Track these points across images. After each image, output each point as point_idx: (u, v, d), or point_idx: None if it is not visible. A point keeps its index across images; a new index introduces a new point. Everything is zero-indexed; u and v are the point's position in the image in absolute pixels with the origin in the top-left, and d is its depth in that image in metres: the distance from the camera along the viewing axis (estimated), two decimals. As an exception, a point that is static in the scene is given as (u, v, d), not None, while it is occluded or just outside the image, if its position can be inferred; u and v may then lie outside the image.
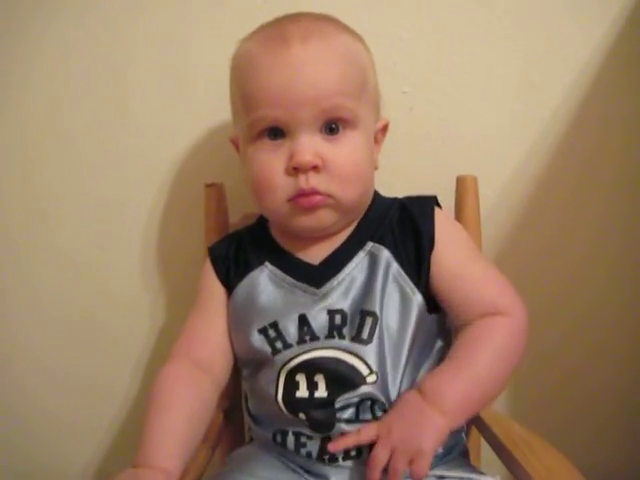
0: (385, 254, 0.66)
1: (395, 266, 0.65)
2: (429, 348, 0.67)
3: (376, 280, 0.65)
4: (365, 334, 0.63)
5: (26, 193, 0.90)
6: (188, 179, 0.87)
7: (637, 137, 0.85)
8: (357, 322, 0.63)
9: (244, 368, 0.71)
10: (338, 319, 0.64)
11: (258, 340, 0.65)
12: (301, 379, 0.63)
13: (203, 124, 0.86)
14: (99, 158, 0.88)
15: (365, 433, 0.59)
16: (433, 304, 0.66)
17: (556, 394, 0.90)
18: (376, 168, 0.69)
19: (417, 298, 0.65)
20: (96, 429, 0.96)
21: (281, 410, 0.64)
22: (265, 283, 0.68)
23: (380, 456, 0.56)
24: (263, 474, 0.63)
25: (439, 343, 0.68)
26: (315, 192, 0.62)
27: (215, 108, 0.83)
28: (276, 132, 0.63)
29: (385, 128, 0.71)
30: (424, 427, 0.57)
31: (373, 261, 0.66)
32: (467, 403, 0.60)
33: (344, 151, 0.63)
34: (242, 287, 0.69)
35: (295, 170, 0.62)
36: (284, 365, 0.64)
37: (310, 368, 0.63)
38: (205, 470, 0.67)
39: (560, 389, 0.90)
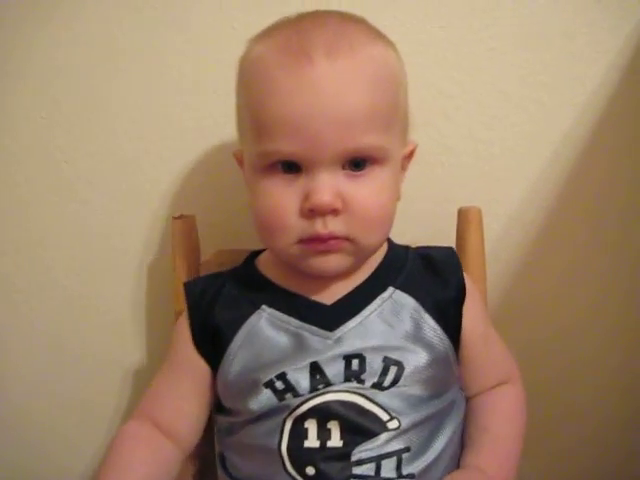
0: (411, 302, 0.60)
1: (423, 315, 0.60)
2: (451, 397, 0.62)
3: (402, 328, 0.59)
4: (388, 382, 0.57)
5: (10, 209, 0.84)
6: (152, 211, 0.80)
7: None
8: (379, 370, 0.57)
9: (228, 421, 0.62)
10: (356, 364, 0.57)
11: (263, 395, 0.57)
12: (311, 426, 0.55)
13: (173, 148, 0.80)
14: (86, 185, 0.82)
15: None
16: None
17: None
18: (398, 199, 0.62)
19: (447, 348, 0.60)
20: (91, 446, 0.91)
21: (282, 466, 0.55)
22: (265, 329, 0.59)
23: None
24: None
25: (458, 394, 0.64)
26: (332, 237, 0.55)
27: (188, 129, 0.78)
28: (291, 166, 0.55)
29: (412, 153, 0.63)
30: None
31: (397, 308, 0.60)
32: (512, 476, 0.60)
33: (369, 190, 0.55)
34: (237, 342, 0.60)
35: (311, 212, 0.54)
36: (291, 412, 0.56)
37: (322, 414, 0.55)
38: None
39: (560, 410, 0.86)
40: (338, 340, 0.58)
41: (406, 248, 0.65)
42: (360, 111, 0.53)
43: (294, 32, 0.55)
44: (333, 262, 0.57)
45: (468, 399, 0.64)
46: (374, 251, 0.60)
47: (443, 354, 0.59)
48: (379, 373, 0.57)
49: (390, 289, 0.60)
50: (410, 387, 0.57)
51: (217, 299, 0.62)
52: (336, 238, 0.55)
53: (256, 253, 0.66)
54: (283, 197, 0.55)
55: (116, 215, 0.81)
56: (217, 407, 0.63)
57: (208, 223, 0.75)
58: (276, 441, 0.55)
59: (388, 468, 0.54)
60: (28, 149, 0.81)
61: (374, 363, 0.57)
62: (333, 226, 0.54)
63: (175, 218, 0.71)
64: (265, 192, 0.56)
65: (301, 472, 0.54)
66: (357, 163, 0.55)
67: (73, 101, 0.79)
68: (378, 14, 0.62)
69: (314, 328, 0.58)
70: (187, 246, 0.71)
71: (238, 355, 0.59)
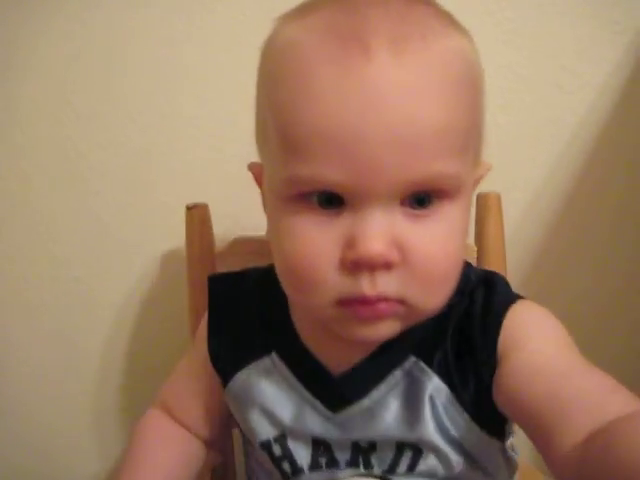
0: (431, 380, 0.47)
1: (445, 396, 0.47)
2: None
3: (419, 411, 0.47)
4: (402, 468, 0.48)
5: (17, 201, 0.83)
6: (167, 201, 0.79)
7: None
8: (391, 455, 0.49)
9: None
10: (364, 443, 0.49)
11: (260, 454, 0.53)
12: None
13: (186, 136, 0.78)
14: (96, 173, 0.81)
15: None
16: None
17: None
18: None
19: (480, 437, 0.48)
20: (98, 447, 0.90)
21: None
22: (269, 381, 0.51)
23: None
24: None
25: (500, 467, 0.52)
26: (382, 299, 0.41)
27: (192, 119, 0.77)
28: (331, 198, 0.41)
29: (483, 176, 0.49)
30: None
31: (413, 387, 0.48)
32: None
33: (436, 236, 0.42)
34: (237, 381, 0.53)
35: (355, 265, 0.40)
36: None
37: None
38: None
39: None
40: (339, 426, 0.49)
41: (466, 282, 0.48)
42: (432, 128, 0.39)
43: (342, 9, 0.40)
44: (381, 331, 0.44)
45: (568, 463, 0.37)
46: (430, 316, 0.45)
47: (471, 434, 0.48)
48: (391, 458, 0.49)
49: (412, 359, 0.48)
50: (432, 473, 0.49)
51: (236, 313, 0.55)
52: (387, 300, 0.41)
53: None
54: (318, 241, 0.41)
55: (128, 206, 0.80)
56: None
57: (221, 213, 0.73)
58: None
59: None
60: (38, 141, 0.80)
61: (385, 447, 0.49)
62: (384, 285, 0.40)
63: (189, 208, 0.70)
64: (294, 232, 0.42)
65: None
66: (421, 199, 0.41)
67: (83, 92, 0.78)
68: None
69: (317, 403, 0.50)
70: (201, 235, 0.70)
71: (236, 399, 0.54)
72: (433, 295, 0.43)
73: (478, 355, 0.46)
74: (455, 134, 0.40)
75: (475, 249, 0.69)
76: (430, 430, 0.47)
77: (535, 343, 0.44)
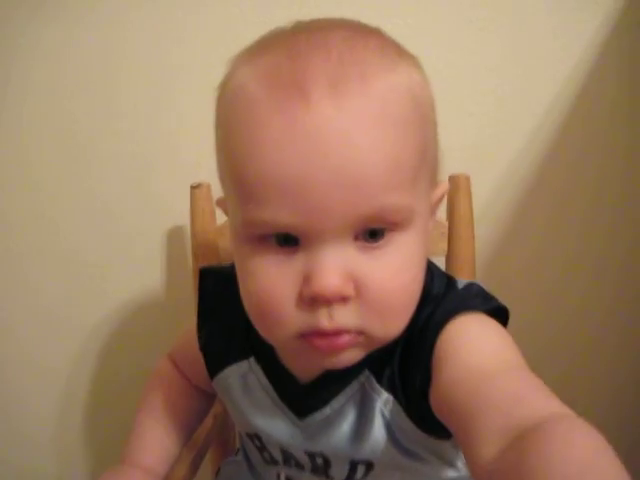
0: (380, 395, 0.49)
1: (393, 409, 0.49)
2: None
3: (371, 423, 0.49)
4: (359, 476, 0.52)
5: (27, 195, 0.88)
6: (173, 180, 0.85)
7: (631, 132, 0.84)
8: (346, 469, 0.52)
9: None
10: (320, 461, 0.52)
11: (249, 443, 0.58)
12: None
13: (187, 124, 0.84)
14: (101, 160, 0.86)
15: None
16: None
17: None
18: (426, 257, 0.48)
19: (423, 437, 0.49)
20: (95, 436, 0.96)
21: None
22: (246, 384, 0.54)
23: None
24: None
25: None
26: (341, 331, 0.42)
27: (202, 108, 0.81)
28: (288, 237, 0.42)
29: (442, 197, 0.50)
30: None
31: (365, 401, 0.49)
32: None
33: (389, 267, 0.42)
34: (222, 379, 0.56)
35: (313, 300, 0.41)
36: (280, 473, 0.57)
37: None
38: (195, 474, 0.67)
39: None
40: (305, 431, 0.52)
41: (428, 292, 0.48)
42: (378, 166, 0.39)
43: (287, 54, 0.41)
44: (344, 360, 0.45)
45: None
46: (390, 341, 0.46)
47: (425, 448, 0.51)
48: (346, 472, 0.52)
49: (366, 372, 0.49)
50: (385, 474, 0.52)
51: (219, 311, 0.57)
52: (347, 332, 0.42)
53: None
54: (278, 280, 0.42)
55: (136, 189, 0.86)
56: None
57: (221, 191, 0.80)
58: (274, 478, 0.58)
59: None
60: (43, 128, 0.85)
61: (339, 464, 0.52)
62: (341, 318, 0.41)
63: (193, 187, 0.76)
64: (255, 271, 0.43)
65: None
66: (374, 232, 0.41)
67: (86, 82, 0.83)
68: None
69: (286, 409, 0.52)
70: (204, 211, 0.76)
71: (221, 393, 0.58)
72: (391, 324, 0.44)
73: (416, 369, 0.46)
74: (401, 169, 0.40)
75: (446, 225, 0.74)
76: (381, 443, 0.48)
77: (466, 352, 0.44)
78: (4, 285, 0.90)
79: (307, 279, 0.41)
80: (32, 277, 0.90)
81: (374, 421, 0.49)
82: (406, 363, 0.48)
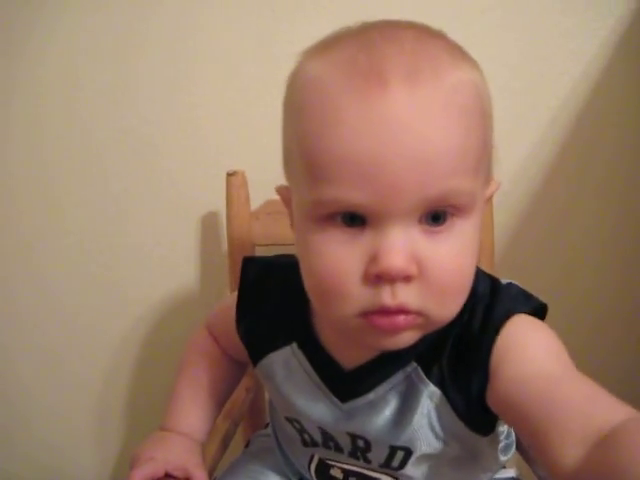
0: (427, 387, 0.50)
1: (439, 401, 0.50)
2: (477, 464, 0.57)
3: (413, 411, 0.51)
4: (396, 463, 0.53)
5: (35, 189, 0.92)
6: (208, 168, 0.89)
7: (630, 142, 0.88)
8: (385, 454, 0.54)
9: None
10: (361, 443, 0.54)
11: (287, 426, 0.59)
12: (336, 473, 0.59)
13: (217, 113, 0.88)
14: (113, 152, 0.90)
15: None
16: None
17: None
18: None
19: (468, 437, 0.52)
20: (97, 430, 1.00)
21: (310, 475, 0.61)
22: (289, 368, 0.56)
23: None
24: (284, 472, 0.64)
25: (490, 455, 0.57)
26: (402, 310, 0.44)
27: (230, 97, 0.86)
28: (355, 217, 0.43)
29: (493, 193, 0.51)
30: None
31: (410, 391, 0.51)
32: None
33: (450, 251, 0.44)
34: (263, 366, 0.58)
35: (378, 278, 0.43)
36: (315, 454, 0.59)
37: (343, 472, 0.58)
38: (228, 445, 0.70)
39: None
40: (347, 414, 0.53)
41: (475, 293, 0.49)
42: (447, 151, 0.42)
43: (362, 47, 0.43)
44: (402, 341, 0.46)
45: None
46: (445, 323, 0.48)
47: (463, 442, 0.52)
48: (385, 457, 0.54)
49: (413, 364, 0.51)
50: (423, 463, 0.54)
51: (263, 299, 0.59)
52: (406, 312, 0.44)
53: None
54: (344, 258, 0.44)
55: (175, 172, 0.90)
56: None
57: (256, 178, 0.83)
58: (306, 462, 0.61)
59: None
60: (58, 123, 0.89)
61: (379, 448, 0.53)
62: (404, 296, 0.43)
63: (229, 174, 0.80)
64: (321, 249, 0.44)
65: None
66: (437, 216, 0.43)
67: (130, 66, 0.87)
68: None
69: (329, 393, 0.54)
70: (240, 198, 0.80)
71: (264, 378, 0.59)
72: (448, 306, 0.45)
73: (473, 367, 0.48)
74: (467, 154, 0.43)
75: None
76: (421, 432, 0.50)
77: (531, 353, 0.46)
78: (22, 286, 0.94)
79: (374, 257, 0.43)
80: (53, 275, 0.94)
81: (417, 410, 0.50)
82: (460, 360, 0.49)
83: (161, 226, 0.92)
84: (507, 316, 0.49)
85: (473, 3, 0.84)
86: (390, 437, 0.52)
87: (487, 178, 0.48)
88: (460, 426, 0.50)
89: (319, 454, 0.59)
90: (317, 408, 0.54)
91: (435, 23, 0.52)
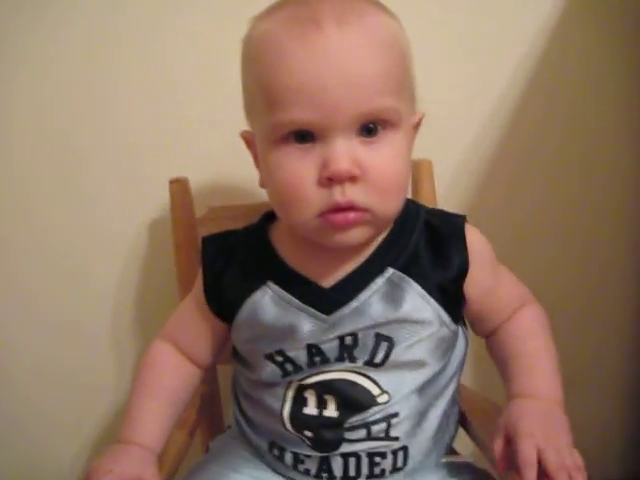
0: (410, 283, 0.60)
1: (422, 295, 0.60)
2: (445, 361, 0.64)
3: (398, 308, 0.59)
4: (379, 358, 0.60)
5: (14, 193, 0.91)
6: (151, 175, 0.88)
7: (582, 110, 0.90)
8: (370, 345, 0.60)
9: (241, 372, 0.68)
10: (349, 340, 0.60)
11: (267, 366, 0.62)
12: (310, 397, 0.61)
13: (158, 118, 0.87)
14: (87, 156, 0.89)
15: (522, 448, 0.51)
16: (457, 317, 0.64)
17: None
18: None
19: (446, 324, 0.62)
20: (85, 427, 0.98)
21: (283, 426, 0.62)
22: (268, 306, 0.62)
23: (532, 455, 0.50)
24: (247, 472, 0.64)
25: (456, 352, 0.66)
26: (351, 207, 0.54)
27: (172, 103, 0.86)
28: (305, 135, 0.54)
29: (419, 122, 0.62)
30: (562, 425, 0.54)
31: (395, 291, 0.60)
32: (561, 392, 0.60)
33: (385, 156, 0.55)
34: (244, 312, 0.63)
35: (329, 180, 0.53)
36: (292, 383, 0.62)
37: (320, 388, 0.61)
38: (184, 455, 0.69)
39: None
40: (333, 324, 0.59)
41: (417, 213, 0.64)
42: (373, 74, 0.52)
43: (301, 5, 0.55)
44: (354, 236, 0.56)
45: (487, 337, 0.67)
46: (391, 220, 0.60)
47: (441, 330, 0.61)
48: (370, 349, 0.59)
49: (389, 270, 0.60)
50: (401, 363, 0.60)
51: (229, 264, 0.65)
52: (355, 210, 0.54)
53: (271, 215, 0.66)
54: (300, 168, 0.54)
55: (118, 183, 0.89)
56: (234, 352, 0.69)
57: (200, 184, 0.84)
58: (279, 406, 0.62)
59: (377, 431, 0.60)
60: (28, 127, 0.88)
61: (366, 339, 0.59)
62: (352, 194, 0.53)
63: (171, 182, 0.79)
64: (281, 164, 0.55)
65: (300, 433, 0.61)
66: (370, 129, 0.54)
67: (72, 84, 0.86)
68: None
69: (312, 310, 0.60)
70: (183, 206, 0.80)
71: (244, 326, 0.63)
72: (389, 202, 0.56)
73: (452, 261, 0.61)
74: (389, 78, 0.54)
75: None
76: (408, 309, 0.59)
77: (486, 265, 0.63)
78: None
79: (324, 164, 0.53)
80: (24, 278, 0.93)
81: (401, 302, 0.59)
82: (438, 257, 0.61)
83: (104, 237, 0.92)
84: (463, 218, 0.64)
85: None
86: (376, 327, 0.59)
87: (412, 106, 0.59)
88: (439, 311, 0.60)
89: (298, 380, 0.61)
90: (304, 328, 0.60)
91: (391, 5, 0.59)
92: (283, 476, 0.64)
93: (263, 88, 0.55)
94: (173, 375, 0.68)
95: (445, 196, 0.86)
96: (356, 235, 0.56)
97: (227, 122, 0.81)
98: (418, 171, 0.80)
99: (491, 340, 0.66)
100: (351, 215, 0.54)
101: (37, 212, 0.91)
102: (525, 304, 0.65)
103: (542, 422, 0.54)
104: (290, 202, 0.55)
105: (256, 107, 0.57)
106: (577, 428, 0.54)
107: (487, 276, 0.63)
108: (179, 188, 0.80)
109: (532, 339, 0.63)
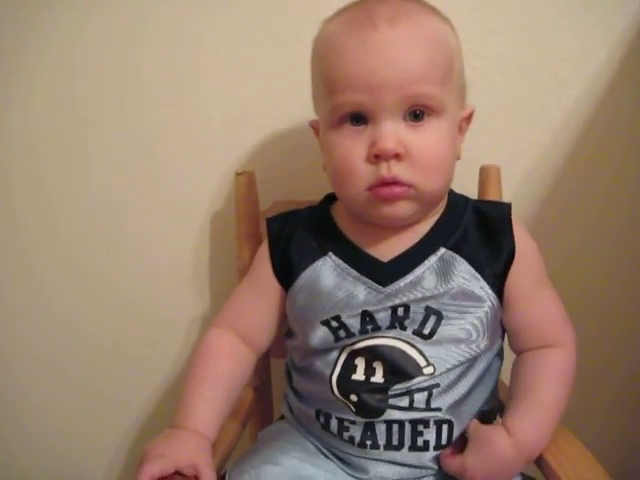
0: (461, 262, 0.65)
1: (472, 274, 0.65)
2: (490, 342, 0.66)
3: (449, 284, 0.64)
4: (427, 330, 0.63)
5: (33, 192, 0.92)
6: (218, 168, 0.89)
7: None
8: (420, 317, 0.64)
9: (292, 345, 0.71)
10: (401, 311, 0.64)
11: (321, 331, 0.65)
12: (360, 363, 0.64)
13: (230, 113, 0.88)
14: (113, 153, 0.90)
15: (452, 465, 0.61)
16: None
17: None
18: (458, 158, 0.67)
19: (493, 303, 0.65)
20: (93, 433, 1.00)
21: (331, 390, 0.64)
22: (328, 275, 0.67)
23: None
24: (295, 454, 0.64)
25: (498, 342, 0.69)
26: (396, 182, 0.60)
27: (240, 98, 0.87)
28: (358, 118, 0.61)
29: (470, 116, 0.68)
30: (509, 473, 0.61)
31: (446, 268, 0.65)
32: (545, 443, 0.62)
33: (428, 139, 0.61)
34: (303, 278, 0.68)
35: (376, 158, 0.60)
36: (344, 348, 0.65)
37: (370, 354, 0.63)
38: (236, 445, 0.70)
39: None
40: (388, 295, 0.64)
41: (466, 201, 0.69)
42: (417, 63, 0.59)
43: (360, 8, 0.63)
44: (400, 209, 0.62)
45: (517, 354, 0.68)
46: (436, 199, 0.65)
47: (487, 309, 0.64)
48: (420, 321, 0.63)
49: (442, 249, 0.65)
50: (448, 338, 0.63)
51: (293, 236, 0.70)
52: (400, 184, 0.60)
53: (332, 196, 0.72)
54: (352, 146, 0.61)
55: (183, 172, 0.90)
56: (287, 333, 0.72)
57: (265, 178, 0.84)
58: (329, 372, 0.65)
59: (419, 400, 0.62)
60: (53, 128, 0.89)
61: (416, 311, 0.63)
62: (397, 170, 0.60)
63: (238, 174, 0.80)
64: (337, 143, 0.62)
65: (346, 397, 0.63)
66: (416, 114, 0.60)
67: (134, 66, 0.87)
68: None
69: (370, 281, 0.65)
70: (248, 199, 0.80)
71: (302, 291, 0.68)
72: (431, 180, 0.62)
73: (499, 242, 0.65)
74: (433, 68, 0.60)
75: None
76: (458, 283, 0.64)
77: (531, 263, 0.67)
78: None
79: (373, 144, 0.60)
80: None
81: (452, 277, 0.64)
82: (487, 235, 0.66)
83: (167, 228, 0.92)
84: (509, 208, 0.68)
85: (490, 8, 0.84)
86: (428, 300, 0.64)
87: (460, 100, 0.66)
88: (486, 289, 0.64)
89: (350, 345, 0.64)
90: (360, 297, 0.65)
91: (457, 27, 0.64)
92: (327, 457, 0.65)
93: (325, 78, 0.63)
94: (229, 359, 0.69)
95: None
96: (402, 209, 0.62)
97: (295, 117, 0.84)
98: (486, 176, 0.79)
99: (519, 358, 0.68)
100: (397, 189, 0.60)
101: (67, 217, 0.92)
102: (560, 346, 0.66)
103: (493, 468, 0.60)
104: (343, 177, 0.62)
105: (319, 95, 0.65)
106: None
107: (530, 278, 0.66)
108: (245, 181, 0.80)
109: (551, 385, 0.64)
